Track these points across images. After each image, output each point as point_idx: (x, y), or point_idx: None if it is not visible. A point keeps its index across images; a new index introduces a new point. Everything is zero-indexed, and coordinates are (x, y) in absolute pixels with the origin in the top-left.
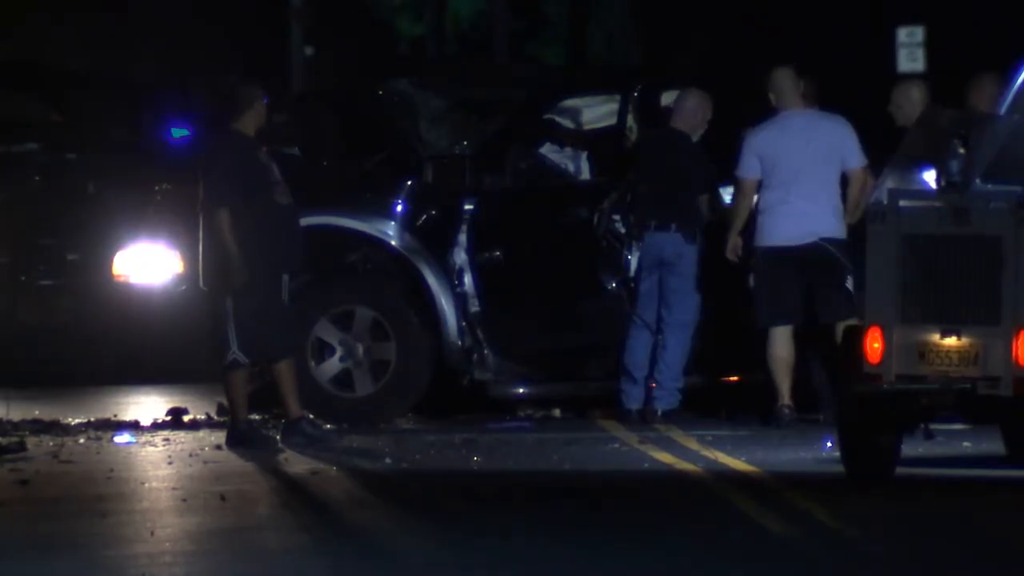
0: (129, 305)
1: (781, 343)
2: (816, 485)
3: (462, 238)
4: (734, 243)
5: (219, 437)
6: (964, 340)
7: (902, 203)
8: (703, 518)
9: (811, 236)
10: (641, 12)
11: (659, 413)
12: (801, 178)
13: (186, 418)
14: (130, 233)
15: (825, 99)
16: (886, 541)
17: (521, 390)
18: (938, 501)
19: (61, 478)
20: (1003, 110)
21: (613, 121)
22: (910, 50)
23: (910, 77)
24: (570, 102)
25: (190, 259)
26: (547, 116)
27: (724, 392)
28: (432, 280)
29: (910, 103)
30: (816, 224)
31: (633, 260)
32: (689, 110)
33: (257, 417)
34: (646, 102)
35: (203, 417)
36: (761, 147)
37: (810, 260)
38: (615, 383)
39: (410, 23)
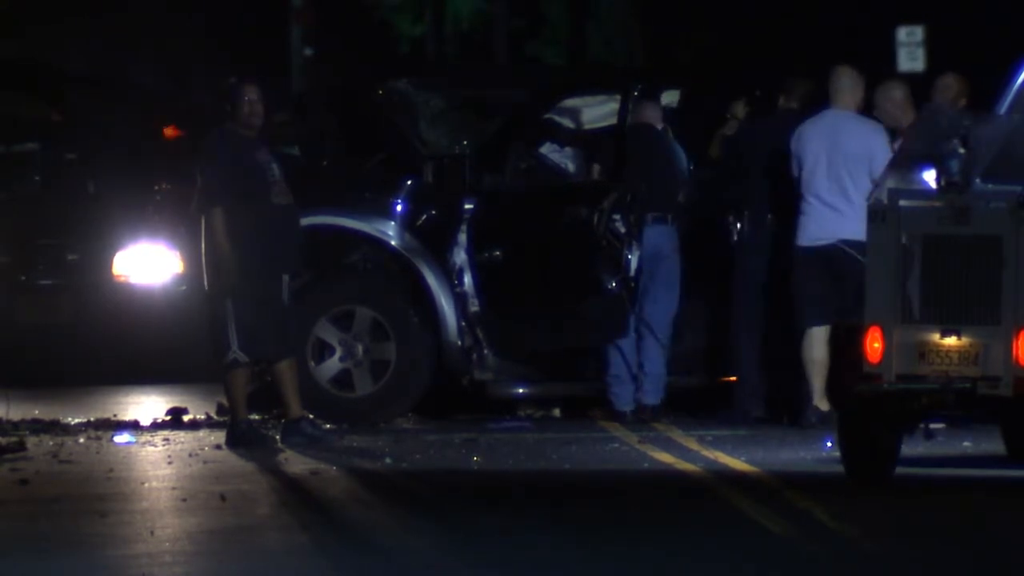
0: (129, 305)
1: (817, 344)
2: (816, 485)
3: (462, 238)
4: None
5: (219, 437)
6: (964, 340)
7: (902, 203)
8: (703, 518)
9: (831, 238)
10: (641, 12)
11: (648, 407)
12: (825, 179)
13: (186, 418)
14: (130, 233)
15: (825, 99)
16: (886, 541)
17: (521, 390)
18: (938, 501)
19: (61, 478)
20: (1003, 110)
21: (613, 121)
22: (910, 50)
23: (892, 77)
24: (570, 102)
25: (191, 259)
26: (547, 116)
27: (724, 392)
28: (432, 280)
29: (892, 104)
30: (837, 226)
31: (633, 260)
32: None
33: (257, 417)
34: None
35: (203, 417)
36: (795, 145)
37: (833, 263)
38: (608, 386)
39: (410, 23)
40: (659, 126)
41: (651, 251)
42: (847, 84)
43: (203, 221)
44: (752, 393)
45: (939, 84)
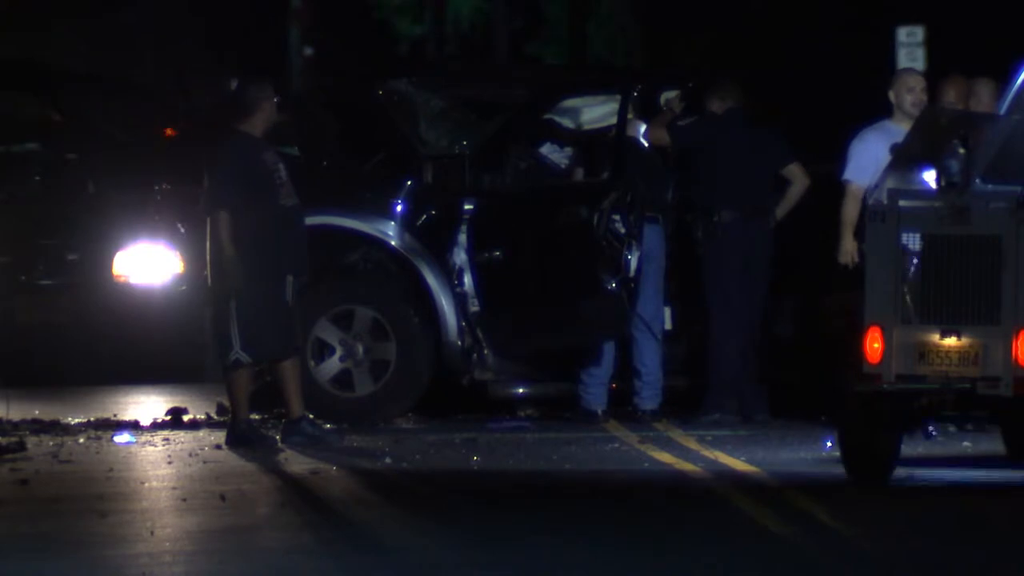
0: (129, 305)
1: None
2: (816, 485)
3: (462, 238)
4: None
5: (219, 437)
6: (964, 340)
7: (902, 203)
8: (703, 518)
9: None
10: (642, 12)
11: (647, 412)
12: None
13: (186, 418)
14: (130, 233)
15: (826, 99)
16: (886, 541)
17: (521, 390)
18: (938, 501)
19: (61, 478)
20: (1003, 110)
21: (613, 121)
22: (910, 50)
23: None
24: (570, 102)
25: (191, 259)
26: (547, 116)
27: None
28: (432, 280)
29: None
30: None
31: (633, 260)
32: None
33: (257, 417)
34: (646, 102)
35: (203, 417)
36: None
37: None
38: (582, 383)
39: (410, 23)
40: (641, 140)
41: (652, 251)
42: (895, 88)
43: (208, 223)
44: (728, 391)
45: (976, 83)
